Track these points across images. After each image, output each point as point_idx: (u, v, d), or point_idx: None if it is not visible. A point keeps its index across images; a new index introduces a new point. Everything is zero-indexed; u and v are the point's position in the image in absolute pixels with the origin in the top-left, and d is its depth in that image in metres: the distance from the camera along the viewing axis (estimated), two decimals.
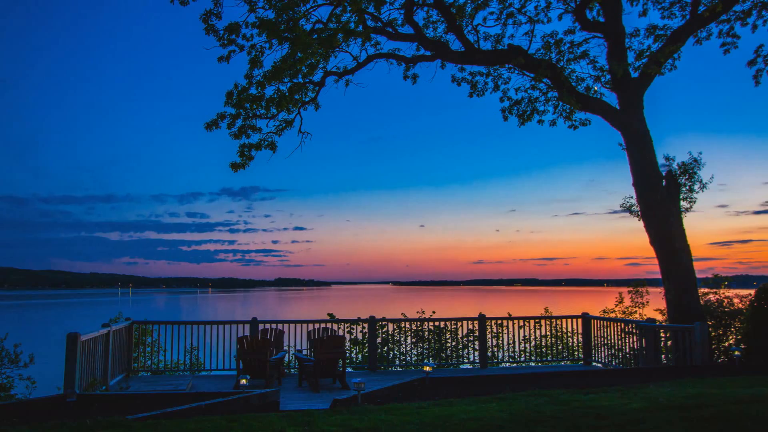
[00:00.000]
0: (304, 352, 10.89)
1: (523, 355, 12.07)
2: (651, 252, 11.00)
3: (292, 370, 11.20)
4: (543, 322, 12.19)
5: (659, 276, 10.99)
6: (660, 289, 11.46)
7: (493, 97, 13.30)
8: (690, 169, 11.26)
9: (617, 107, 11.39)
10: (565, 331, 12.21)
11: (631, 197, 11.68)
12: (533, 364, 11.96)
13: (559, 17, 12.46)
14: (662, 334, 9.96)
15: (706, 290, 12.01)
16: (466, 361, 11.95)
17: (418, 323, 11.84)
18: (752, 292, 10.02)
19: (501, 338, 11.99)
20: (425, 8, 12.44)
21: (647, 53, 12.15)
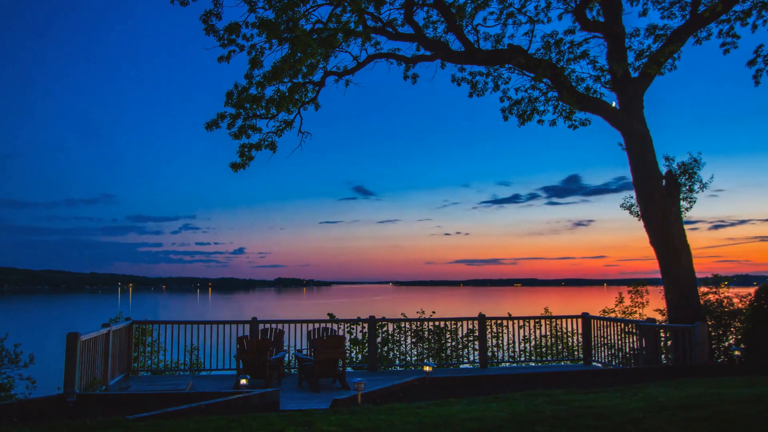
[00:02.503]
0: (304, 352, 10.88)
1: (523, 355, 12.07)
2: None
3: (292, 370, 11.20)
4: (543, 322, 12.19)
5: (659, 276, 11.00)
6: (660, 289, 11.46)
7: (493, 97, 13.32)
8: (690, 169, 11.26)
9: (617, 107, 11.39)
10: (565, 331, 12.21)
11: (631, 197, 11.69)
12: (533, 364, 11.95)
13: (559, 17, 12.47)
14: (662, 334, 9.96)
15: (706, 290, 12.01)
16: (466, 361, 11.95)
17: (418, 323, 11.84)
18: (752, 291, 10.02)
19: (501, 338, 11.99)
20: (425, 8, 12.44)
21: (647, 53, 12.15)
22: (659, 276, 11.02)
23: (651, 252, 11.02)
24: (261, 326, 11.12)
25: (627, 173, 11.38)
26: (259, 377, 9.29)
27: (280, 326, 11.11)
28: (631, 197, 11.69)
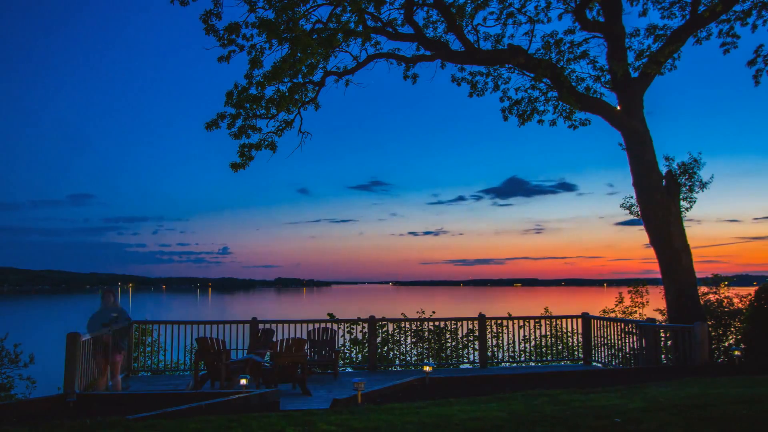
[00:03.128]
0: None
1: (523, 355, 12.07)
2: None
3: None
4: (543, 322, 12.20)
5: (659, 276, 11.00)
6: (660, 289, 11.46)
7: (493, 97, 13.32)
8: (690, 169, 11.26)
9: (617, 107, 11.40)
10: (565, 331, 12.22)
11: (631, 197, 11.69)
12: (533, 364, 11.96)
13: (559, 17, 12.46)
14: (662, 334, 9.96)
15: (706, 290, 12.01)
16: (466, 361, 11.96)
17: (418, 323, 11.84)
18: (752, 292, 10.02)
19: (501, 338, 12.00)
20: (425, 8, 12.43)
21: (647, 53, 12.14)
22: (654, 276, 11.04)
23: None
24: (261, 326, 11.10)
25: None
26: (217, 379, 9.06)
27: (268, 326, 11.09)
28: (631, 197, 11.70)
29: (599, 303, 16.25)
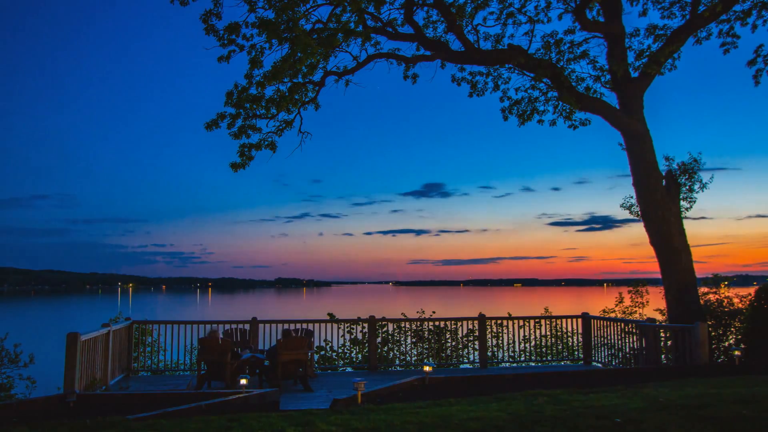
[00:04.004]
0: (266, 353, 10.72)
1: (523, 355, 12.07)
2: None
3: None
4: (543, 322, 12.20)
5: (659, 276, 10.99)
6: (660, 289, 11.46)
7: (493, 97, 13.30)
8: (690, 169, 11.26)
9: (617, 107, 11.40)
10: (565, 330, 12.21)
11: (631, 197, 11.69)
12: (533, 364, 11.96)
13: (559, 17, 12.45)
14: (662, 334, 9.96)
15: (706, 290, 12.01)
16: (466, 361, 11.96)
17: (418, 323, 11.84)
18: (752, 292, 10.02)
19: (501, 338, 12.00)
20: (425, 8, 12.42)
21: (647, 53, 12.15)
22: (659, 276, 11.02)
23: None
24: (259, 326, 11.09)
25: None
26: (220, 379, 9.04)
27: (289, 326, 11.07)
28: (631, 197, 11.70)
29: (597, 304, 16.24)
